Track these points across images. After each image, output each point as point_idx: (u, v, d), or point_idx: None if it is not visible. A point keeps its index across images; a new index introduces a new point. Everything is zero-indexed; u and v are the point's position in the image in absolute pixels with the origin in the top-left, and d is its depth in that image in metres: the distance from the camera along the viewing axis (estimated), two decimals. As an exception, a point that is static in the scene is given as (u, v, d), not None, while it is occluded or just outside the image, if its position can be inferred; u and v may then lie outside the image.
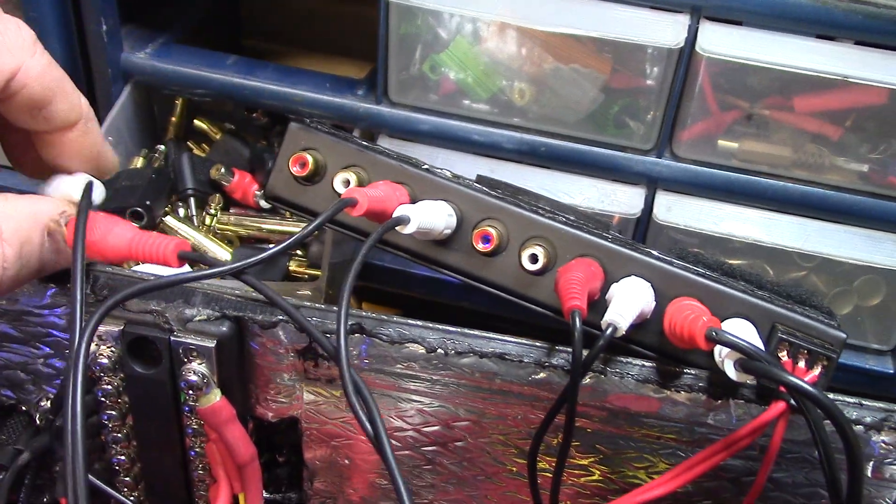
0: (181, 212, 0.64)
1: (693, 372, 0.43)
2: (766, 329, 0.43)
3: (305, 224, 0.44)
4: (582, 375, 0.41)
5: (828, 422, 0.38)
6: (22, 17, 0.60)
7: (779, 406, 0.39)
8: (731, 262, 0.61)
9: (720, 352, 0.40)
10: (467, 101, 0.62)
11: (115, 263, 0.45)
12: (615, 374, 0.43)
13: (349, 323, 0.45)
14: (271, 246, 0.61)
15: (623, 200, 0.62)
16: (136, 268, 0.52)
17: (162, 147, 0.68)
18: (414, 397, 0.46)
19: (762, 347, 0.41)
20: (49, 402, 0.49)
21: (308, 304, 0.45)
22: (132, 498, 0.50)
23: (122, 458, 0.49)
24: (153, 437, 0.48)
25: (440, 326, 0.45)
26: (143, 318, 0.44)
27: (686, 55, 0.56)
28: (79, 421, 0.34)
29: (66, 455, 0.34)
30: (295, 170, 0.49)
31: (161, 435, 0.48)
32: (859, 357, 0.65)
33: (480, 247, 0.46)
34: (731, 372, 0.40)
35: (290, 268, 0.63)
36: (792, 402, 0.39)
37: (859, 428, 0.42)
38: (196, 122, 0.71)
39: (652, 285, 0.44)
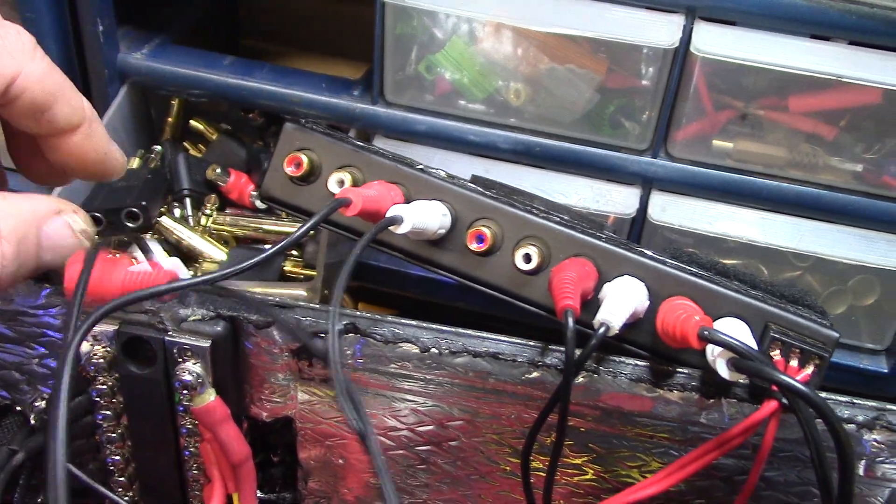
0: (177, 212, 0.64)
1: (686, 371, 0.44)
2: (759, 328, 0.43)
3: (300, 224, 0.44)
4: (575, 375, 0.41)
5: (820, 420, 0.38)
6: (18, 18, 0.60)
7: (771, 405, 0.39)
8: (725, 261, 0.61)
9: (712, 351, 0.40)
10: (463, 101, 0.62)
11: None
12: (608, 373, 0.44)
13: (343, 323, 0.45)
14: (267, 246, 0.62)
15: (618, 200, 0.62)
16: (131, 268, 0.52)
17: (158, 147, 0.68)
18: (408, 397, 0.46)
19: (755, 346, 0.41)
20: (44, 402, 0.49)
21: (302, 304, 0.45)
22: (127, 498, 0.50)
23: (117, 457, 0.49)
24: (148, 437, 0.48)
25: (434, 326, 0.45)
26: (137, 318, 0.45)
27: (681, 55, 0.56)
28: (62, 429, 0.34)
29: (48, 454, 0.33)
30: (290, 170, 0.49)
31: (156, 435, 0.48)
32: (854, 356, 0.65)
33: (474, 247, 0.46)
34: (724, 371, 0.40)
35: (285, 268, 0.63)
36: (784, 400, 0.39)
37: (851, 426, 0.43)
38: (192, 122, 0.71)
39: (645, 285, 0.44)
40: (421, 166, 0.49)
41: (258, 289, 0.58)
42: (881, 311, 0.63)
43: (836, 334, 0.43)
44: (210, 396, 0.45)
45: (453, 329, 0.45)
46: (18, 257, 0.39)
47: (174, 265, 0.52)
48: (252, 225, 0.64)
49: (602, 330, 0.40)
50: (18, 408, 0.50)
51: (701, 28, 0.56)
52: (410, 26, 0.60)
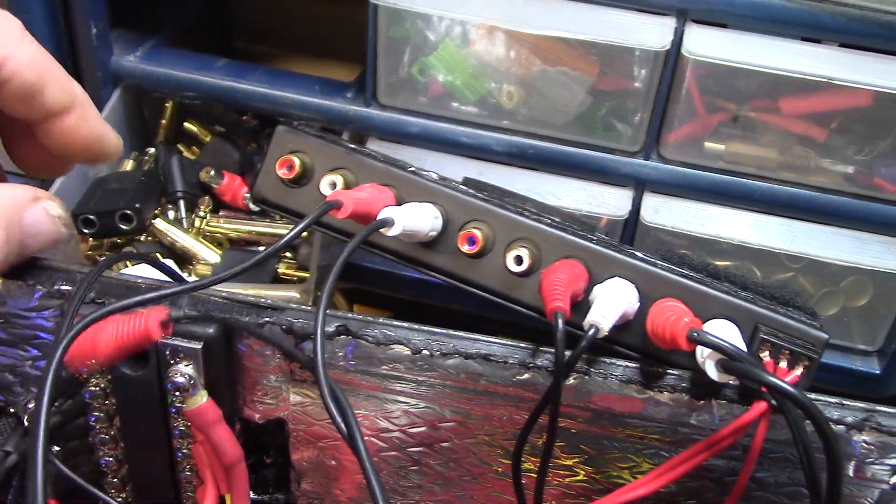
0: (171, 214, 0.64)
1: (676, 372, 0.44)
2: (749, 330, 0.43)
3: (292, 227, 0.44)
4: (565, 376, 0.41)
5: (808, 421, 0.38)
6: (11, 20, 0.60)
7: (760, 406, 0.39)
8: (718, 263, 0.61)
9: (702, 352, 0.40)
10: (456, 103, 0.62)
11: (112, 360, 0.45)
12: (599, 374, 0.44)
13: (335, 324, 0.45)
14: (261, 248, 0.62)
15: (611, 202, 0.62)
16: (124, 270, 0.53)
17: (152, 150, 0.68)
18: (400, 398, 0.47)
19: (744, 348, 0.41)
20: (37, 403, 0.49)
21: (294, 306, 0.45)
22: (120, 499, 0.50)
23: (110, 459, 0.49)
24: (140, 439, 0.48)
25: (425, 328, 0.45)
26: (129, 320, 0.45)
27: (672, 58, 0.57)
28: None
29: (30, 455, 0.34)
30: (282, 172, 0.49)
31: (148, 436, 0.48)
32: (846, 358, 0.65)
33: (466, 248, 0.46)
34: (713, 372, 0.40)
35: (279, 270, 0.63)
36: (773, 402, 0.39)
37: (841, 427, 0.43)
38: (186, 124, 0.72)
39: (636, 286, 0.44)
40: (413, 169, 0.49)
41: (251, 291, 0.58)
42: (873, 313, 0.63)
43: (826, 336, 0.43)
44: (202, 398, 0.45)
45: (444, 331, 0.45)
46: (8, 243, 0.40)
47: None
48: (245, 227, 0.65)
49: (591, 332, 0.40)
50: (12, 410, 0.50)
51: (692, 30, 0.56)
52: (403, 29, 0.60)
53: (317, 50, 0.81)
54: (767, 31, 0.56)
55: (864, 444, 0.43)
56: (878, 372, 0.64)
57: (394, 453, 0.49)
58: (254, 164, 0.68)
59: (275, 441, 0.51)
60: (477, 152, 0.63)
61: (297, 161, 0.48)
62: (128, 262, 0.56)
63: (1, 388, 0.49)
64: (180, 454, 0.48)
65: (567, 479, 0.48)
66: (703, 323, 0.43)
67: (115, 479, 0.50)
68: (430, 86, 0.62)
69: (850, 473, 0.44)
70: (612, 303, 0.42)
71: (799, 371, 0.42)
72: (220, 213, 0.66)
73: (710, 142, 0.60)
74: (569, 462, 0.47)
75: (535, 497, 0.44)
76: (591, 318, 0.40)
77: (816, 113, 0.58)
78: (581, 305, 0.44)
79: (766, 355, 0.42)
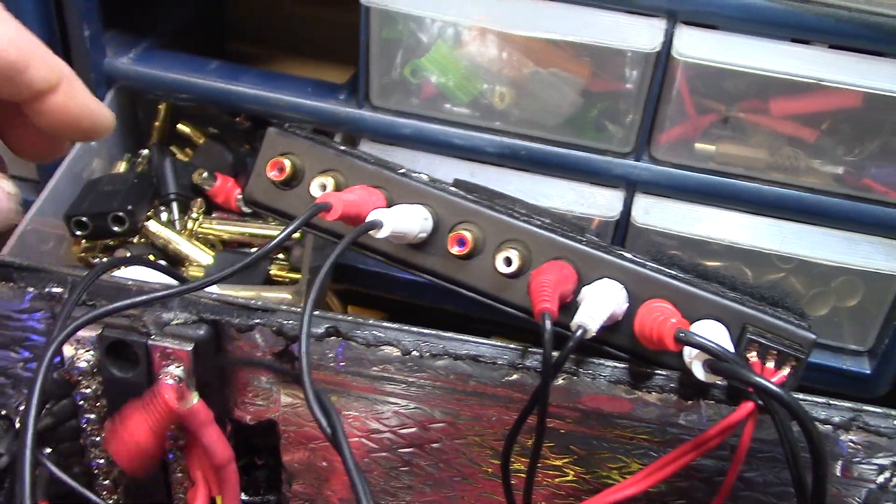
0: (164, 216, 0.65)
1: (664, 373, 0.44)
2: (737, 330, 0.44)
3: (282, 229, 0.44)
4: (553, 377, 0.42)
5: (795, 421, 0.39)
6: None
7: (747, 406, 0.40)
8: (709, 264, 0.62)
9: (689, 353, 0.41)
10: (448, 104, 0.62)
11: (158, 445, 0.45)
12: (587, 375, 0.44)
13: (325, 326, 0.45)
14: (253, 250, 0.62)
15: (602, 203, 0.62)
16: (116, 273, 0.53)
17: (145, 151, 0.68)
18: (390, 399, 0.47)
19: (731, 348, 0.41)
20: (29, 405, 0.49)
21: (284, 307, 0.46)
22: (111, 501, 0.50)
23: (102, 461, 0.49)
24: (132, 440, 0.48)
25: (415, 329, 0.45)
26: (120, 322, 0.45)
27: (663, 59, 0.57)
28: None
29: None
30: (273, 174, 0.49)
31: (140, 438, 0.48)
32: (837, 358, 0.65)
33: (456, 250, 0.46)
34: (700, 373, 0.40)
35: (271, 272, 0.63)
36: (760, 402, 0.39)
37: (828, 427, 0.43)
38: (179, 126, 0.72)
39: (624, 287, 0.45)
40: (403, 170, 0.49)
41: (243, 292, 0.58)
42: (864, 313, 0.63)
43: (813, 336, 0.43)
44: (193, 399, 0.45)
45: (434, 332, 0.45)
46: None
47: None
48: (238, 229, 0.65)
49: (579, 332, 0.40)
50: (3, 412, 0.50)
51: (682, 32, 0.56)
52: (395, 31, 0.60)
53: (310, 52, 0.81)
54: (757, 32, 0.56)
55: (851, 444, 0.43)
56: (868, 372, 0.65)
57: (384, 454, 0.49)
58: (247, 165, 0.68)
59: (266, 442, 0.51)
60: (469, 153, 0.63)
61: (287, 163, 0.49)
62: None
63: (-7, 389, 0.49)
64: (171, 455, 0.48)
65: (557, 480, 0.48)
66: (691, 323, 0.43)
67: (106, 481, 0.50)
68: (422, 87, 0.62)
69: (838, 473, 0.44)
70: (599, 304, 0.42)
71: (786, 371, 0.42)
72: (213, 215, 0.66)
73: (701, 143, 0.60)
74: (558, 462, 0.47)
75: (525, 497, 0.44)
76: (578, 318, 0.41)
77: (806, 114, 0.58)
78: (570, 306, 0.44)
79: (753, 356, 0.42)
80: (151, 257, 0.61)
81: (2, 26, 0.40)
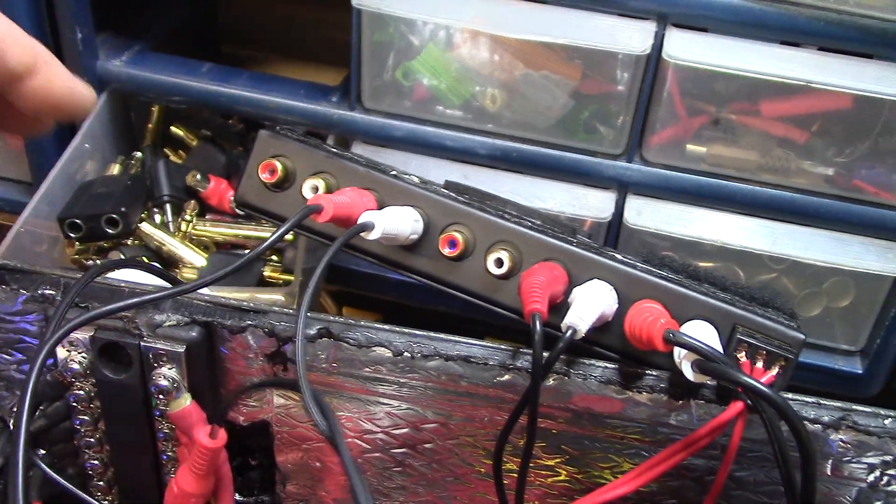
0: (157, 218, 0.65)
1: (654, 373, 0.44)
2: (727, 331, 0.44)
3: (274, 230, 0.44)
4: (543, 377, 0.42)
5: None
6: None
7: (736, 406, 0.40)
8: (701, 264, 0.62)
9: (678, 353, 0.41)
10: (440, 107, 0.62)
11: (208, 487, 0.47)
12: (578, 375, 0.44)
13: (317, 327, 0.45)
14: (246, 251, 0.62)
15: (594, 205, 0.62)
16: (109, 275, 0.53)
17: (139, 154, 0.69)
18: (383, 400, 0.47)
19: (720, 349, 0.42)
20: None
21: (276, 308, 0.46)
22: (106, 502, 0.50)
23: (96, 462, 0.49)
24: (125, 442, 0.48)
25: (406, 330, 0.45)
26: (113, 324, 0.45)
27: (653, 61, 0.57)
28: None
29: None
30: (264, 176, 0.49)
31: (133, 439, 0.48)
32: (829, 358, 0.66)
33: (447, 251, 0.47)
34: (689, 373, 0.40)
35: (264, 273, 0.63)
36: (749, 401, 0.40)
37: (817, 427, 0.43)
38: (172, 128, 0.72)
39: (615, 288, 0.45)
40: (394, 172, 0.49)
41: (237, 294, 0.58)
42: (856, 313, 0.63)
43: (802, 336, 0.43)
44: (186, 401, 0.45)
45: (425, 333, 0.45)
46: None
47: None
48: (232, 230, 0.65)
49: (569, 333, 0.40)
50: (-3, 414, 0.51)
51: (673, 35, 0.56)
52: (387, 33, 0.60)
53: (303, 54, 0.81)
54: (747, 35, 0.56)
55: (841, 443, 0.44)
56: (860, 372, 0.65)
57: (377, 455, 0.49)
58: (240, 167, 0.68)
59: (260, 443, 0.51)
60: (461, 155, 0.63)
61: (279, 165, 0.49)
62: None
63: (-14, 392, 0.50)
64: (165, 457, 0.49)
65: (549, 480, 0.48)
66: (681, 324, 0.43)
67: (100, 482, 0.50)
68: (414, 89, 0.62)
69: (828, 472, 0.45)
70: (589, 304, 0.42)
71: (775, 371, 0.42)
72: (207, 217, 0.66)
73: (692, 144, 0.60)
74: (550, 462, 0.47)
75: (517, 497, 0.44)
76: (568, 319, 0.41)
77: (796, 116, 0.58)
78: (561, 307, 0.44)
79: (742, 356, 0.43)
80: (145, 259, 0.61)
81: None
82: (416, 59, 0.61)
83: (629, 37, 0.57)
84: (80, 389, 0.46)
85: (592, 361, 0.45)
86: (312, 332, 0.45)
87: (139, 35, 0.69)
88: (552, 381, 0.44)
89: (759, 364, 0.42)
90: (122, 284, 0.47)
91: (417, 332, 0.45)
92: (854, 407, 0.44)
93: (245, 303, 0.46)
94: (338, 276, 0.69)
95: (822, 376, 0.65)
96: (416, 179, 0.49)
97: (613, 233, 0.63)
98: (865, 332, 0.65)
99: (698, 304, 0.44)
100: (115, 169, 0.67)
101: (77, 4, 0.62)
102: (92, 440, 0.48)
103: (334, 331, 0.45)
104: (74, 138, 0.63)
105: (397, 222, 0.45)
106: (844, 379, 0.65)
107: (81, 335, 0.45)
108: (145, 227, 0.63)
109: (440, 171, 0.63)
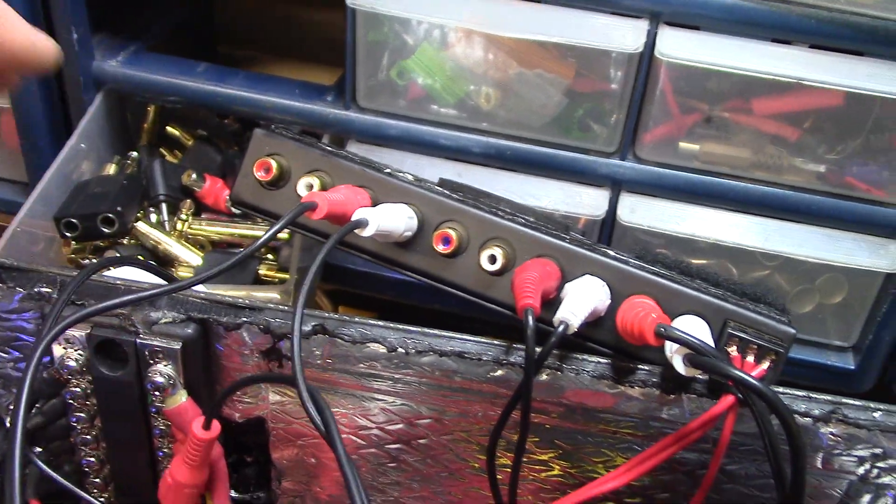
0: (153, 217, 0.65)
1: (646, 368, 0.45)
2: (718, 325, 0.44)
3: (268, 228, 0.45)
4: (536, 372, 0.42)
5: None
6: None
7: (727, 400, 0.40)
8: (695, 261, 0.62)
9: (670, 347, 0.41)
10: (435, 105, 0.63)
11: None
12: (571, 370, 0.44)
13: (312, 324, 0.46)
14: (241, 250, 0.62)
15: (588, 202, 0.63)
16: (106, 273, 0.53)
17: (135, 153, 0.69)
18: (377, 396, 0.47)
19: (711, 343, 0.42)
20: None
21: (271, 305, 0.46)
22: (102, 499, 0.51)
23: (92, 459, 0.49)
24: (122, 439, 0.49)
25: (400, 326, 0.46)
26: (109, 322, 0.45)
27: (646, 59, 0.58)
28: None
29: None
30: (259, 175, 0.50)
31: (129, 436, 0.48)
32: (822, 354, 0.66)
33: (441, 248, 0.47)
34: (680, 367, 0.41)
35: (260, 272, 0.64)
36: (740, 395, 0.40)
37: (807, 420, 0.44)
38: (168, 128, 0.72)
39: (608, 284, 0.45)
40: (388, 170, 0.49)
41: (233, 292, 0.59)
42: (848, 309, 0.64)
43: (793, 330, 0.44)
44: (182, 398, 0.46)
45: (419, 329, 0.46)
46: None
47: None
48: (227, 229, 0.65)
49: (561, 328, 0.41)
50: (-7, 411, 0.51)
51: (665, 33, 0.57)
52: (381, 33, 0.61)
53: (299, 54, 0.82)
54: (739, 32, 0.56)
55: (831, 436, 0.44)
56: (853, 368, 0.65)
57: (372, 450, 0.49)
58: (235, 167, 0.68)
59: (255, 440, 0.51)
60: (456, 154, 0.63)
61: (274, 164, 0.49)
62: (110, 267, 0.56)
63: (-17, 389, 0.50)
64: (161, 453, 0.49)
65: (543, 474, 0.49)
66: (672, 319, 0.44)
67: (97, 479, 0.50)
68: (408, 88, 0.62)
69: (819, 465, 0.45)
70: (582, 299, 0.42)
71: (766, 365, 0.42)
72: (203, 216, 0.66)
73: (685, 142, 0.61)
74: (544, 457, 0.48)
75: (510, 492, 0.44)
76: (560, 314, 0.41)
77: (788, 113, 0.59)
78: (554, 303, 0.45)
79: (733, 350, 0.43)
80: (141, 258, 0.61)
81: None
82: (410, 59, 0.61)
83: (622, 35, 0.57)
84: (76, 387, 0.47)
85: (585, 356, 0.45)
86: (307, 328, 0.45)
87: (135, 35, 0.69)
88: (545, 376, 0.45)
89: (750, 358, 0.43)
90: (118, 282, 0.47)
91: (411, 328, 0.46)
92: (844, 400, 0.44)
93: (240, 300, 0.46)
94: (334, 274, 0.69)
95: (814, 372, 0.65)
96: (409, 177, 0.49)
97: (607, 230, 0.64)
98: (857, 328, 0.65)
99: (690, 300, 0.45)
100: (111, 169, 0.67)
101: (73, 5, 0.62)
102: (88, 437, 0.49)
103: (329, 327, 0.45)
104: (70, 138, 0.63)
105: (391, 219, 0.46)
106: (837, 375, 0.66)
107: (77, 332, 0.45)
108: (141, 226, 0.63)
109: (435, 169, 0.63)
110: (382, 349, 0.45)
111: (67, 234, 0.60)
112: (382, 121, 0.63)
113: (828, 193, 0.60)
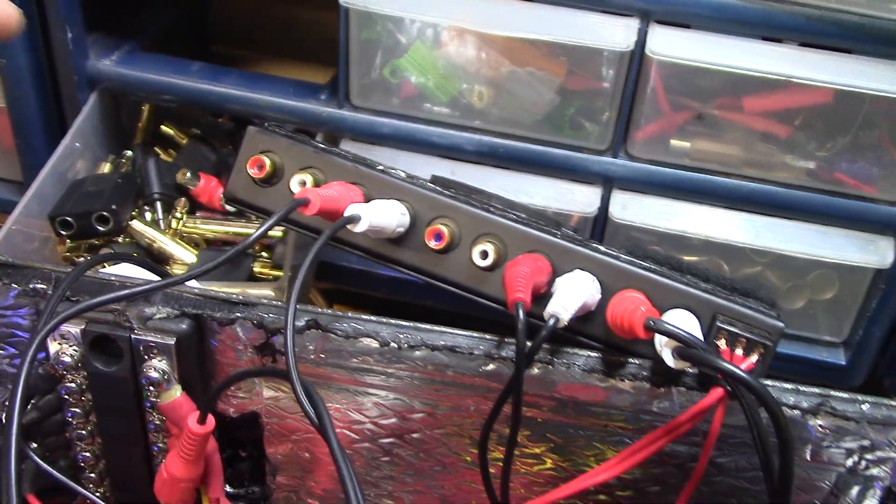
0: (148, 216, 0.65)
1: (637, 361, 0.45)
2: (708, 319, 0.45)
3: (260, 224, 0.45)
4: (527, 365, 0.43)
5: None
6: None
7: (716, 392, 0.41)
8: (686, 258, 0.63)
9: (660, 341, 0.42)
10: (428, 104, 0.63)
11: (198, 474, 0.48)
12: (562, 364, 0.45)
13: (305, 319, 0.46)
14: (235, 247, 0.63)
15: (580, 200, 0.63)
16: (101, 270, 0.53)
17: (129, 152, 0.69)
18: (370, 390, 0.48)
19: (700, 336, 0.42)
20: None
21: (265, 301, 0.47)
22: (98, 494, 0.51)
23: (87, 454, 0.50)
24: (117, 434, 0.49)
25: (393, 321, 0.46)
26: (104, 317, 0.46)
27: (637, 58, 0.58)
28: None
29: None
30: (253, 172, 0.50)
31: (125, 431, 0.49)
32: (813, 349, 0.66)
33: (433, 244, 0.47)
34: (669, 359, 0.41)
35: (254, 269, 0.64)
36: (729, 388, 0.41)
37: (796, 412, 0.44)
38: (163, 127, 0.72)
39: (598, 278, 0.46)
40: (381, 167, 0.50)
41: (227, 289, 0.59)
42: (839, 305, 0.64)
43: (782, 324, 0.44)
44: (176, 393, 0.46)
45: (412, 324, 0.46)
46: None
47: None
48: (222, 227, 0.66)
49: (552, 322, 0.41)
50: (-11, 407, 0.51)
51: (656, 31, 0.57)
52: (375, 32, 0.61)
53: (293, 53, 0.82)
54: (729, 31, 0.57)
55: (820, 429, 0.44)
56: (844, 363, 0.66)
57: (366, 444, 0.50)
58: (230, 165, 0.69)
59: (249, 435, 0.52)
60: (449, 152, 0.64)
61: (267, 161, 0.50)
62: (105, 264, 0.57)
63: (-22, 386, 0.50)
64: (156, 448, 0.49)
65: (535, 468, 0.49)
66: (662, 313, 0.44)
67: (92, 474, 0.50)
68: (401, 87, 0.63)
69: (808, 457, 0.45)
70: (572, 294, 0.43)
71: (754, 358, 0.43)
72: (197, 214, 0.67)
73: (676, 139, 0.61)
74: (536, 451, 0.48)
75: (502, 485, 0.45)
76: (551, 308, 0.42)
77: (778, 110, 0.59)
78: (545, 298, 0.45)
79: (722, 343, 0.43)
80: (135, 255, 0.61)
81: None
82: (403, 57, 0.62)
83: (613, 33, 0.58)
84: (71, 382, 0.47)
85: (576, 350, 0.45)
86: (301, 323, 0.46)
87: (130, 35, 0.69)
88: (536, 370, 0.45)
89: (739, 351, 0.43)
90: (113, 278, 0.47)
91: (404, 322, 0.46)
92: (832, 393, 0.44)
93: (234, 295, 0.47)
94: (328, 272, 0.70)
95: (806, 367, 0.66)
96: (402, 174, 0.50)
97: (599, 227, 0.64)
98: (848, 324, 0.66)
99: (679, 294, 0.45)
100: (106, 167, 0.68)
101: (68, 4, 0.63)
102: (83, 432, 0.49)
103: (322, 322, 0.46)
104: (65, 137, 0.64)
105: (384, 215, 0.46)
106: (828, 370, 0.66)
107: (72, 328, 0.45)
108: (136, 224, 0.63)
109: (428, 167, 0.64)
110: (375, 344, 0.46)
111: (62, 233, 0.60)
112: (376, 119, 0.64)
113: (818, 190, 0.61)
